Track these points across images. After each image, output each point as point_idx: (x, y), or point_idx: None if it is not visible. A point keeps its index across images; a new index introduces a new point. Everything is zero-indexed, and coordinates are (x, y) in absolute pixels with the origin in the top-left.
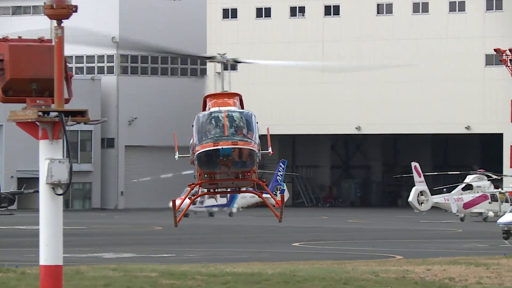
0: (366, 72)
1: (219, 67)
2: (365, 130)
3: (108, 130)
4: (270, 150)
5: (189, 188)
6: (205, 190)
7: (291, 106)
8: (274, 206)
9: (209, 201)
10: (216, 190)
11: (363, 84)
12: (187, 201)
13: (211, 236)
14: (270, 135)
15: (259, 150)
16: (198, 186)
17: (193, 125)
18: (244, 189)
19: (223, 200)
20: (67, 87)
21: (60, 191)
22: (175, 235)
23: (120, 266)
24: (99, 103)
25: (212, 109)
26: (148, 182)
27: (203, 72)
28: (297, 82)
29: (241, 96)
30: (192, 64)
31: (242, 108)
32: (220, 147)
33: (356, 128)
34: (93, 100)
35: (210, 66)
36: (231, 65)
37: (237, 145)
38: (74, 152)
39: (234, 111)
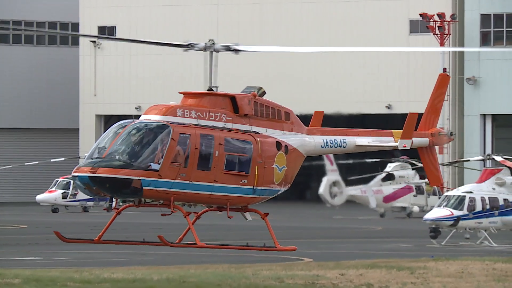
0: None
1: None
2: None
3: None
4: (398, 143)
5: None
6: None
7: (169, 81)
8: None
9: (83, 194)
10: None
11: (263, 55)
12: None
13: (85, 235)
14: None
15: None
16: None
17: None
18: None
19: None
20: None
21: None
22: (41, 234)
23: None
24: None
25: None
26: (9, 172)
27: (75, 41)
28: (172, 54)
29: (238, 96)
30: (62, 30)
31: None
32: (78, 174)
33: None
34: None
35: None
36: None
37: (95, 172)
38: None
39: (145, 123)
